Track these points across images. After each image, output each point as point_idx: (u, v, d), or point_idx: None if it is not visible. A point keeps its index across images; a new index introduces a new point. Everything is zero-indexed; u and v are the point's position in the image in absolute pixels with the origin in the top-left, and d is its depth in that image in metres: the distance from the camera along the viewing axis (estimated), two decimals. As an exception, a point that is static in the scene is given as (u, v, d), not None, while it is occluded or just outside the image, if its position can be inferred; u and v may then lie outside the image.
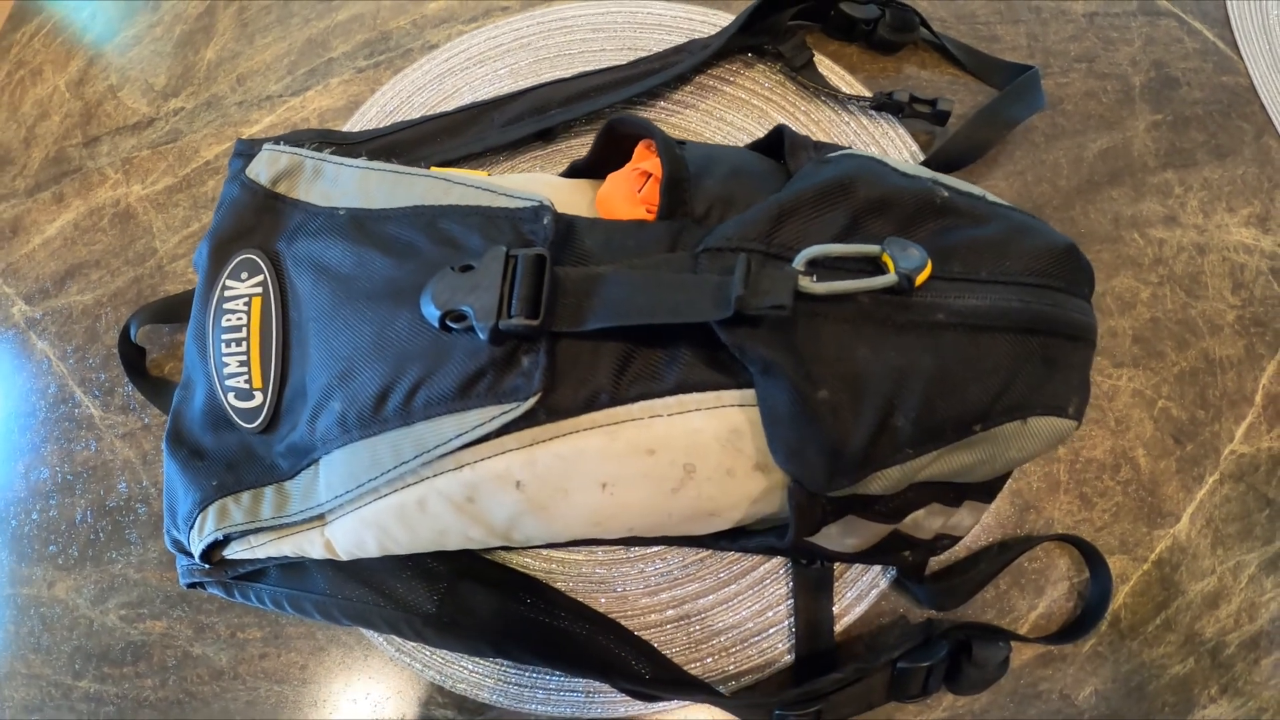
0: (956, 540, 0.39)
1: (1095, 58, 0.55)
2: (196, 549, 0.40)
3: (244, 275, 0.42)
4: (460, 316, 0.32)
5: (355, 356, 0.36)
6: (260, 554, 0.39)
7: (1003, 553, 0.42)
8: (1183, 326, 0.47)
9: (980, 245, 0.34)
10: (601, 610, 0.43)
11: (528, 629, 0.41)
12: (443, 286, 0.33)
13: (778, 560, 0.43)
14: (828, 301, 0.31)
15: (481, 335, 0.32)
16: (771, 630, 0.42)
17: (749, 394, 0.32)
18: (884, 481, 0.32)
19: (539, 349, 0.32)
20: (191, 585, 0.43)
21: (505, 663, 0.43)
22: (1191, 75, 0.55)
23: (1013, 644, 0.40)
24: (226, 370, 0.40)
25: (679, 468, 0.33)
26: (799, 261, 0.31)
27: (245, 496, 0.39)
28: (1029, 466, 0.45)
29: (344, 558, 0.38)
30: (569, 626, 0.42)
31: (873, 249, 0.32)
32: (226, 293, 0.42)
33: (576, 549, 0.45)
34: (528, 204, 0.36)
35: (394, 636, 0.44)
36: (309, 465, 0.38)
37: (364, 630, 0.45)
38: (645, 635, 0.43)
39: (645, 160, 0.38)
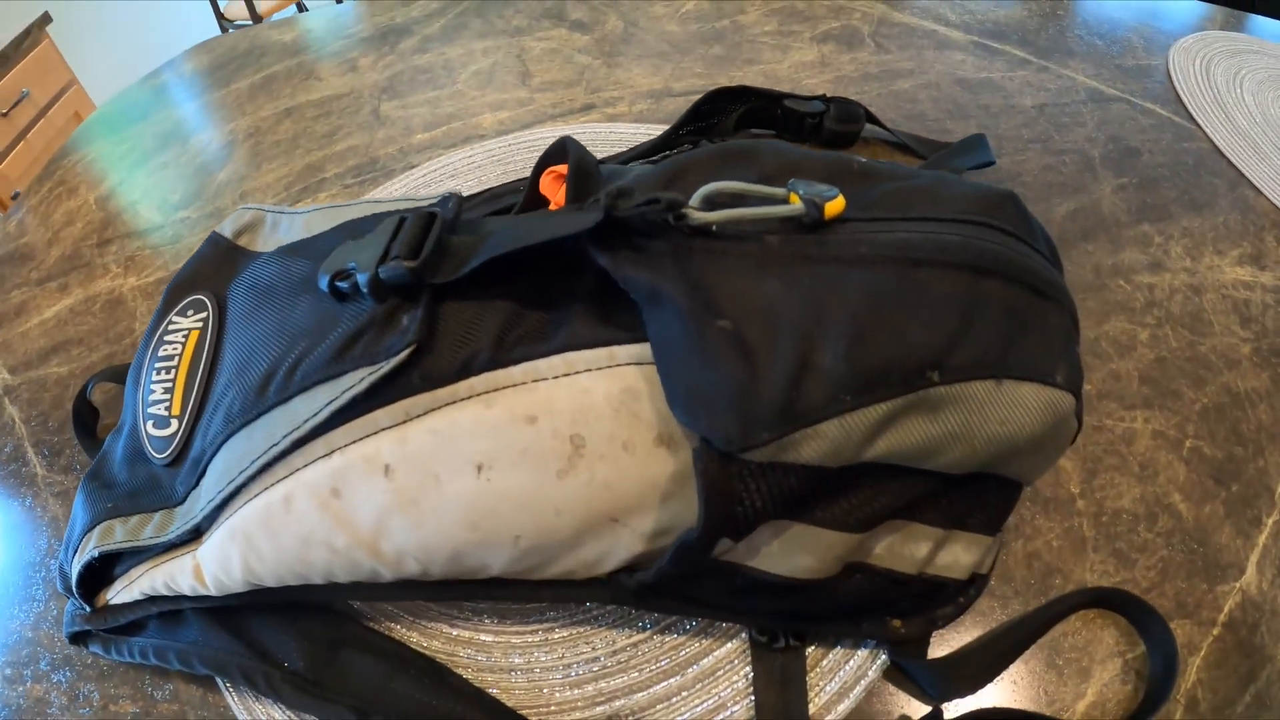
0: (958, 594, 0.32)
1: (1049, 139, 0.58)
2: (74, 572, 0.37)
3: (189, 312, 0.44)
4: (346, 274, 0.31)
5: (253, 348, 0.35)
6: (136, 589, 0.37)
7: (1026, 624, 0.34)
8: (1195, 364, 0.44)
9: (906, 192, 0.31)
10: (511, 706, 0.35)
11: (407, 706, 0.34)
12: (336, 254, 0.33)
13: (732, 645, 0.35)
14: (729, 240, 0.29)
15: (362, 287, 0.30)
16: None
17: (646, 349, 0.28)
18: (820, 443, 0.25)
19: (419, 304, 0.30)
20: (76, 638, 0.40)
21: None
22: (1151, 144, 0.57)
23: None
24: (151, 398, 0.40)
25: (564, 440, 0.28)
26: (695, 200, 0.30)
27: (134, 519, 0.37)
28: (1042, 523, 0.38)
29: (212, 589, 0.35)
30: (464, 713, 0.34)
31: (778, 190, 0.30)
32: (170, 327, 0.44)
33: (483, 624, 0.38)
34: (441, 196, 0.35)
35: (248, 700, 0.38)
36: (198, 481, 0.36)
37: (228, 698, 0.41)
38: None
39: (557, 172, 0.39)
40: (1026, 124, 0.61)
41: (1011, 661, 0.33)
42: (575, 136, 0.61)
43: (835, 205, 0.29)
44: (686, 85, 0.67)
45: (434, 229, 0.32)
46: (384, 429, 0.31)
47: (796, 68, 0.69)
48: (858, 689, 0.33)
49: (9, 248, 0.67)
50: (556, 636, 0.37)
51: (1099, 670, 0.33)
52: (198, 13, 2.59)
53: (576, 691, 0.35)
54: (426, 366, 0.30)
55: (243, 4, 2.35)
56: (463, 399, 0.30)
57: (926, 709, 0.32)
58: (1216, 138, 0.59)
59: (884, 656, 0.34)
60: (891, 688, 0.33)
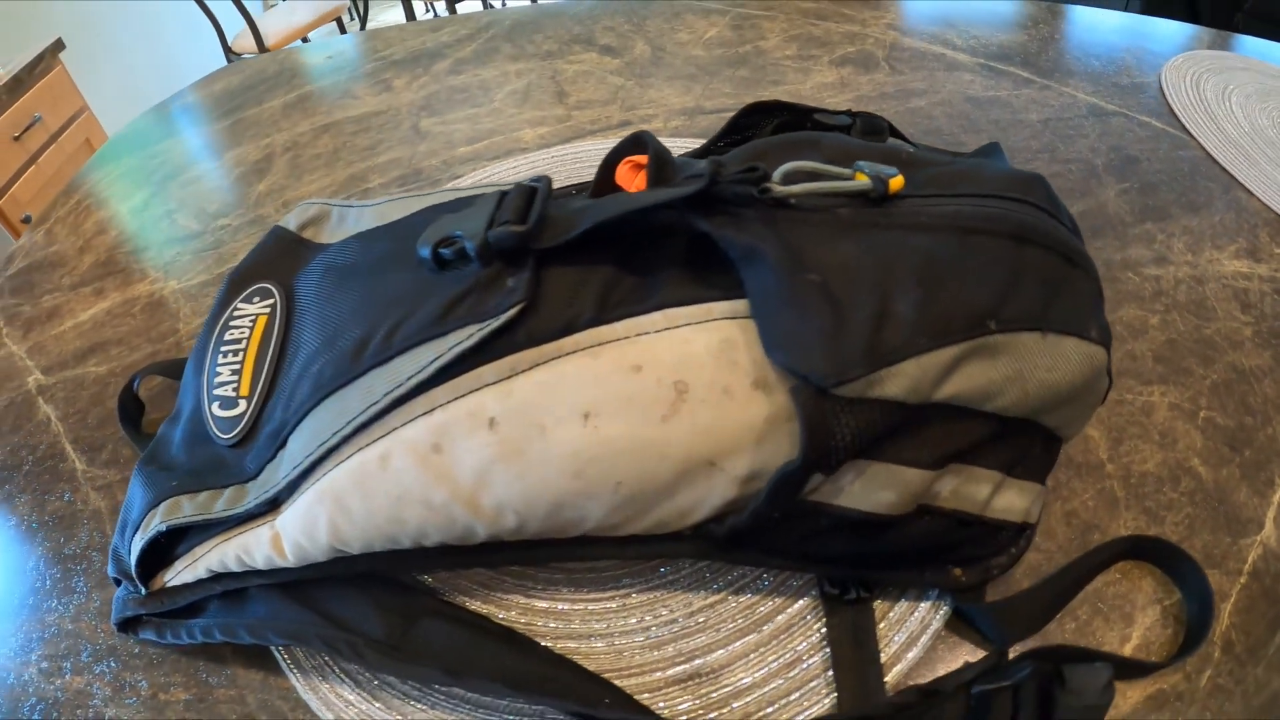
0: (1010, 545, 0.34)
1: (1055, 149, 0.62)
2: (136, 550, 0.36)
3: (255, 299, 0.44)
4: (451, 241, 0.33)
5: (342, 320, 0.36)
6: (202, 566, 0.36)
7: (1072, 572, 0.36)
8: (1202, 345, 0.47)
9: (950, 174, 0.34)
10: (593, 670, 0.35)
11: (496, 669, 0.34)
12: (437, 226, 0.34)
13: (804, 602, 0.36)
14: (806, 211, 0.32)
15: (469, 250, 0.32)
16: (807, 687, 0.34)
17: (740, 304, 0.30)
18: (901, 380, 0.28)
19: (525, 267, 0.32)
20: (124, 625, 0.39)
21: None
22: (1149, 153, 0.61)
23: (1117, 684, 0.33)
24: (217, 379, 0.41)
25: (669, 387, 0.30)
26: (776, 176, 0.33)
27: (202, 495, 0.37)
28: (1077, 485, 0.41)
29: (291, 559, 0.35)
30: (554, 675, 0.34)
31: (845, 170, 0.33)
32: (235, 313, 0.44)
33: (559, 593, 0.38)
34: (531, 178, 0.37)
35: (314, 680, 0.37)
36: (276, 453, 0.36)
37: (296, 681, 0.38)
38: (648, 701, 0.34)
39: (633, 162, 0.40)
40: (1034, 136, 0.65)
41: (1062, 607, 0.35)
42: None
43: (897, 182, 0.32)
44: (717, 104, 0.70)
45: (537, 199, 0.34)
46: (488, 384, 0.31)
47: (818, 88, 0.72)
48: (924, 637, 0.34)
49: (39, 256, 0.66)
50: (634, 601, 0.38)
51: (1140, 616, 0.36)
52: (205, 46, 2.65)
53: (657, 653, 0.36)
54: (532, 325, 0.32)
55: (250, 39, 2.39)
56: (568, 353, 0.31)
57: (984, 653, 0.34)
58: (1209, 146, 0.64)
59: (946, 607, 0.35)
60: (954, 637, 0.35)
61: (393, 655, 0.34)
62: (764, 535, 0.33)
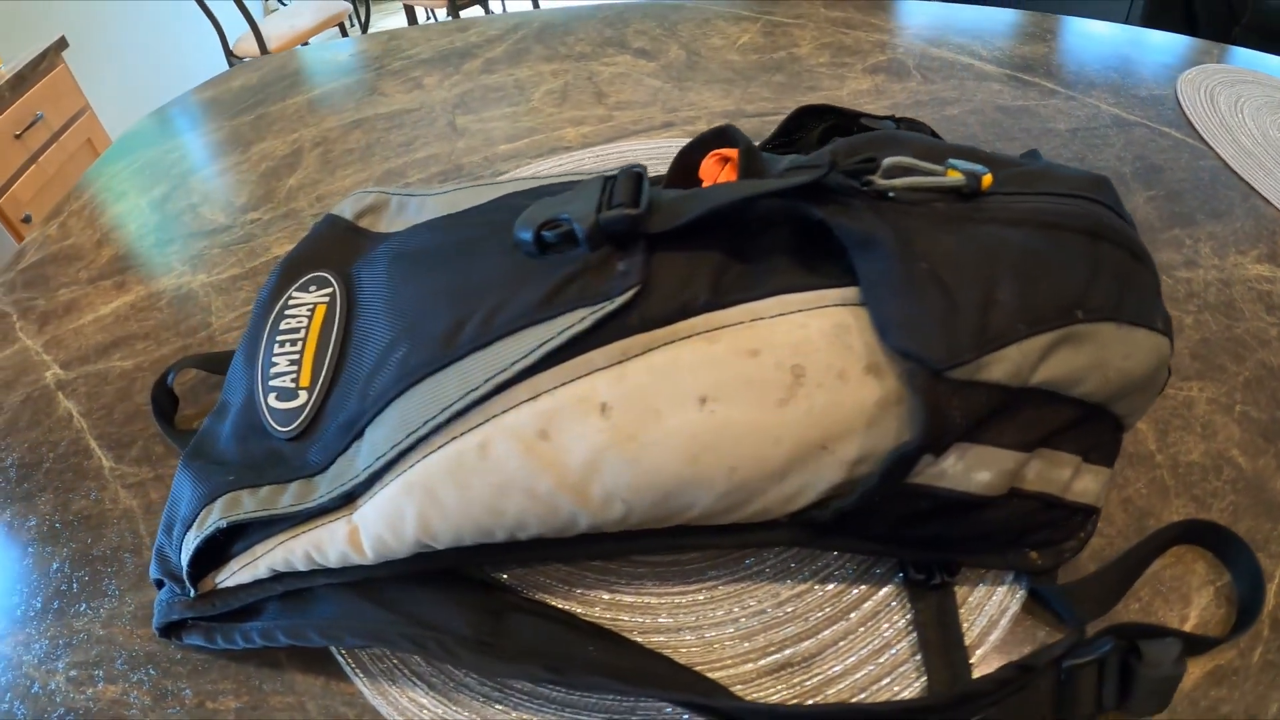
0: (1079, 529, 0.35)
1: (1085, 157, 0.63)
2: (189, 549, 0.34)
3: (312, 288, 0.42)
4: (555, 224, 0.32)
5: (423, 306, 0.34)
6: (264, 565, 0.34)
7: (1133, 555, 0.38)
8: (1233, 344, 0.49)
9: (1027, 174, 0.35)
10: (684, 664, 0.35)
11: (596, 662, 0.33)
12: (537, 208, 0.33)
13: (888, 589, 0.36)
14: (906, 205, 0.32)
15: (578, 233, 0.31)
16: (897, 672, 0.34)
17: (849, 292, 0.31)
18: (1005, 365, 0.29)
19: (636, 251, 0.31)
20: (167, 629, 0.36)
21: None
22: (1172, 162, 0.63)
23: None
24: (273, 370, 0.39)
25: (786, 370, 0.29)
26: (880, 171, 0.33)
27: (264, 490, 0.34)
28: (1130, 474, 0.42)
29: (370, 555, 0.32)
30: (653, 668, 0.34)
31: (938, 167, 0.34)
32: (290, 302, 0.42)
33: (645, 587, 0.37)
34: (622, 167, 0.36)
35: (382, 684, 0.35)
36: (349, 445, 0.34)
37: (365, 690, 0.36)
38: (742, 693, 0.34)
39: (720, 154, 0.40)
40: (1063, 145, 0.66)
41: (1129, 589, 0.37)
42: (663, 150, 0.62)
43: (987, 180, 0.34)
44: (757, 108, 0.70)
45: (644, 184, 0.33)
46: (598, 369, 0.30)
47: (855, 95, 0.72)
48: (1004, 620, 0.35)
49: (53, 249, 0.64)
50: (721, 593, 0.37)
51: (1196, 597, 0.37)
52: (207, 49, 2.63)
53: (747, 644, 0.35)
54: (645, 309, 0.31)
55: (253, 42, 2.36)
56: (683, 338, 0.31)
57: (1058, 635, 0.35)
58: (1226, 156, 0.66)
59: (1021, 590, 0.36)
60: (1029, 619, 0.36)
61: (486, 652, 0.32)
62: (863, 519, 0.33)
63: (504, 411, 0.30)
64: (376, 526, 0.32)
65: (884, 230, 0.31)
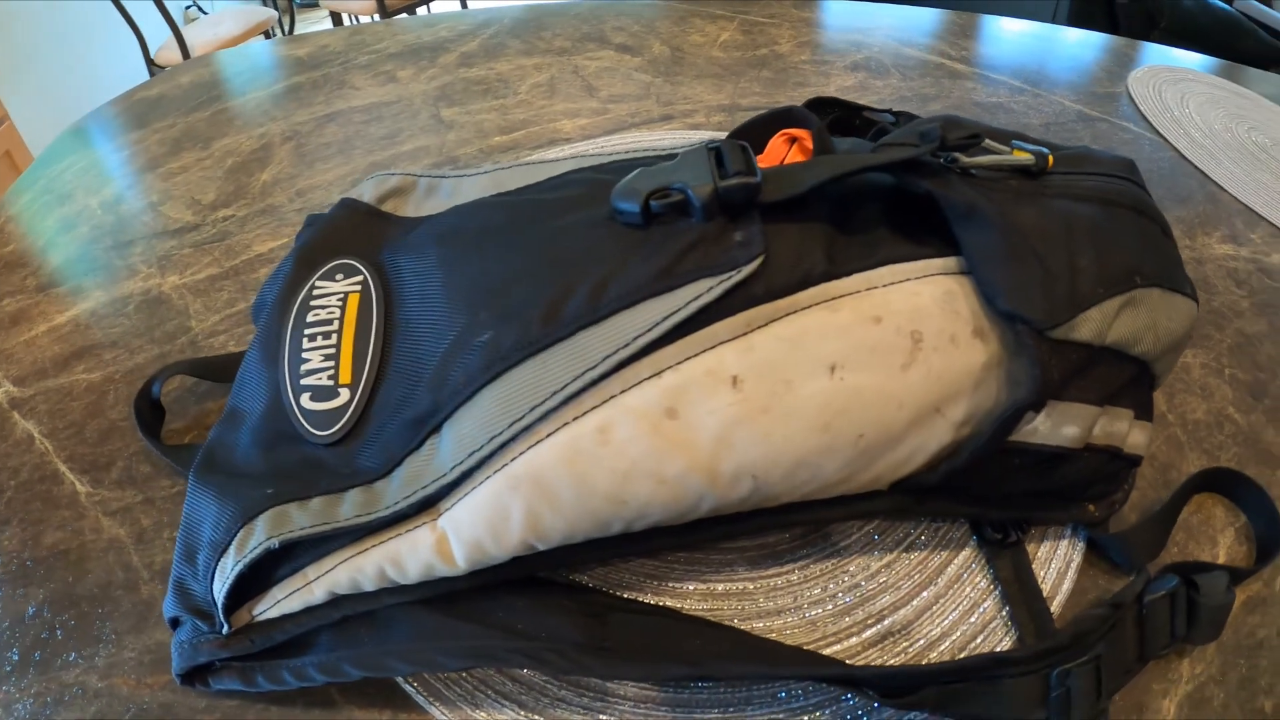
0: (1124, 482, 0.38)
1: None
2: (228, 577, 0.29)
3: (339, 276, 0.38)
4: (667, 193, 0.31)
5: (502, 286, 0.31)
6: (321, 588, 0.30)
7: (1169, 506, 0.41)
8: (1214, 315, 0.54)
9: (1074, 155, 0.38)
10: (792, 645, 0.34)
11: (723, 653, 0.31)
12: (638, 179, 0.32)
13: (966, 553, 0.38)
14: (987, 181, 0.34)
15: (694, 202, 0.30)
16: (989, 629, 0.35)
17: (951, 261, 0.32)
18: (1090, 325, 0.31)
19: (752, 221, 0.30)
20: (190, 675, 0.31)
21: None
22: (1134, 153, 0.67)
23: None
24: (305, 367, 0.34)
25: (906, 336, 0.30)
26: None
27: (316, 502, 0.30)
28: (1153, 431, 0.45)
29: (461, 564, 0.29)
30: (775, 649, 0.33)
31: (1004, 146, 0.36)
32: (316, 291, 0.38)
33: (736, 574, 0.36)
34: (706, 139, 0.36)
35: (476, 710, 0.32)
36: (422, 443, 0.31)
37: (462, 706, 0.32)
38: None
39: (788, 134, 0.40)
40: (1039, 138, 0.68)
41: (1170, 533, 0.40)
42: (669, 141, 0.61)
43: (1051, 160, 0.36)
44: (751, 102, 0.69)
45: (752, 155, 0.32)
46: (723, 341, 0.29)
47: (842, 91, 0.72)
48: (1071, 571, 0.37)
49: (-12, 256, 0.56)
50: (814, 571, 0.37)
51: (1221, 537, 0.41)
52: (129, 59, 2.50)
53: (848, 619, 0.35)
54: (769, 278, 0.30)
55: (175, 51, 2.22)
56: (804, 307, 0.30)
57: (1119, 582, 0.38)
58: (1180, 147, 0.71)
59: (1081, 542, 0.39)
60: (1091, 569, 0.39)
61: (611, 657, 0.29)
62: (963, 481, 0.34)
63: (623, 391, 0.28)
64: (473, 531, 0.28)
65: (983, 201, 0.32)
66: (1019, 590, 0.36)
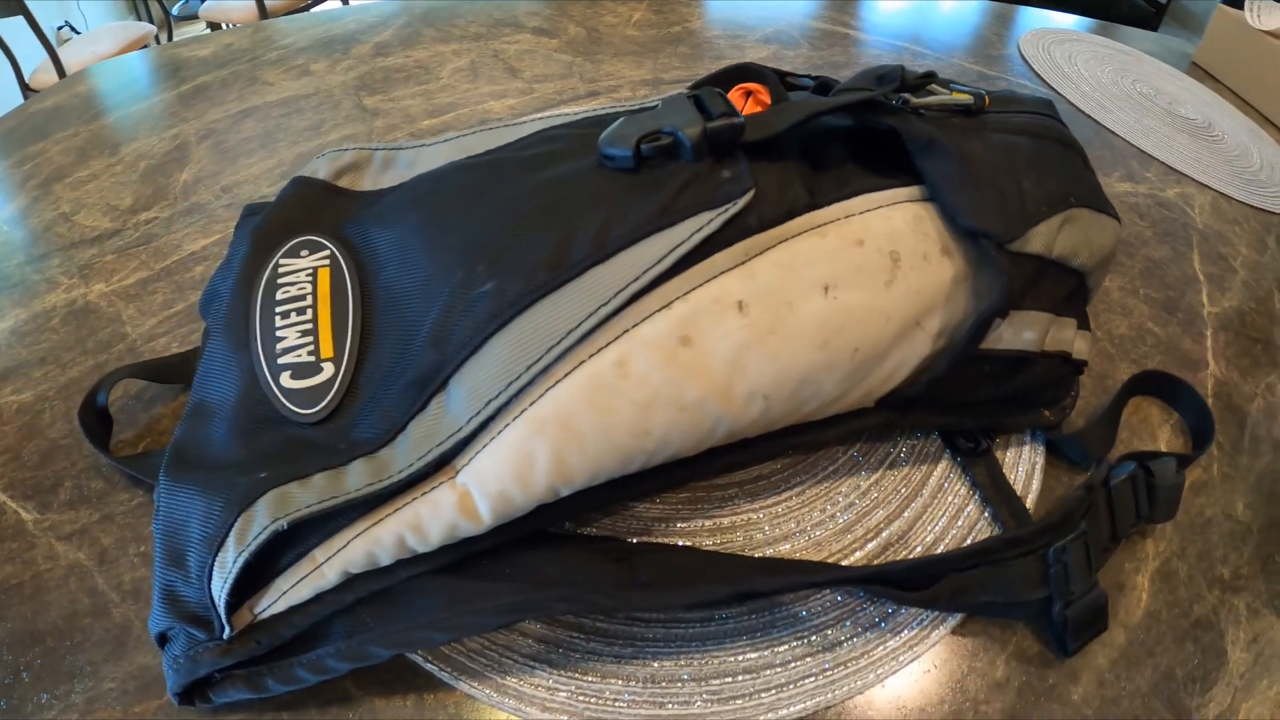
0: (1071, 388, 0.42)
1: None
2: (230, 570, 0.27)
3: (304, 252, 0.37)
4: (657, 136, 0.32)
5: (494, 238, 0.32)
6: (334, 569, 0.28)
7: (1111, 408, 0.45)
8: (1124, 244, 0.60)
9: (1000, 97, 0.41)
10: None
11: (750, 573, 0.32)
12: (626, 125, 0.33)
13: (943, 465, 0.40)
14: (935, 119, 0.37)
15: (685, 144, 0.31)
16: (976, 529, 0.38)
17: (914, 190, 0.35)
18: (1040, 239, 0.34)
19: (739, 160, 0.32)
20: (188, 692, 0.29)
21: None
22: None
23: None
24: (282, 345, 0.33)
25: (886, 256, 0.32)
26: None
27: (318, 478, 0.29)
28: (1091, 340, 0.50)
29: (486, 519, 0.29)
30: (796, 565, 0.34)
31: (944, 89, 0.39)
32: (281, 269, 0.36)
33: (740, 507, 0.37)
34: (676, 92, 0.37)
35: (507, 678, 0.31)
36: (428, 402, 0.30)
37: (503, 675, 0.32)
38: None
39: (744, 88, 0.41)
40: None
41: (1115, 433, 0.44)
42: (603, 114, 0.61)
43: (986, 100, 0.40)
44: (674, 76, 0.70)
45: (729, 100, 0.34)
46: (724, 271, 0.30)
47: (759, 61, 0.74)
48: (1037, 472, 0.41)
49: (-124, 285, 0.51)
50: (810, 495, 0.39)
51: (1159, 433, 0.46)
52: (2, 84, 2.27)
53: (849, 536, 0.37)
54: (760, 210, 0.32)
55: (51, 73, 2.05)
56: (794, 235, 0.32)
57: (1081, 477, 0.42)
58: (1074, 100, 0.78)
59: (1040, 446, 0.42)
60: (1053, 469, 0.42)
61: (654, 590, 0.30)
62: (939, 392, 0.36)
63: (636, 325, 0.29)
64: (498, 481, 0.28)
65: (939, 134, 0.35)
66: (996, 493, 0.38)
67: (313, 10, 2.41)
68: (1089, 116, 0.75)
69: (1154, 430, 0.46)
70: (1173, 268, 0.59)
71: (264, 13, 2.22)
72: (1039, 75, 0.81)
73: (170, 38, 2.96)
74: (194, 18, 3.29)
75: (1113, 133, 0.73)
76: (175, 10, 3.27)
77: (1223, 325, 0.54)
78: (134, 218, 0.54)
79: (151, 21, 2.95)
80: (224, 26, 2.59)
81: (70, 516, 0.39)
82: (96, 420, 0.41)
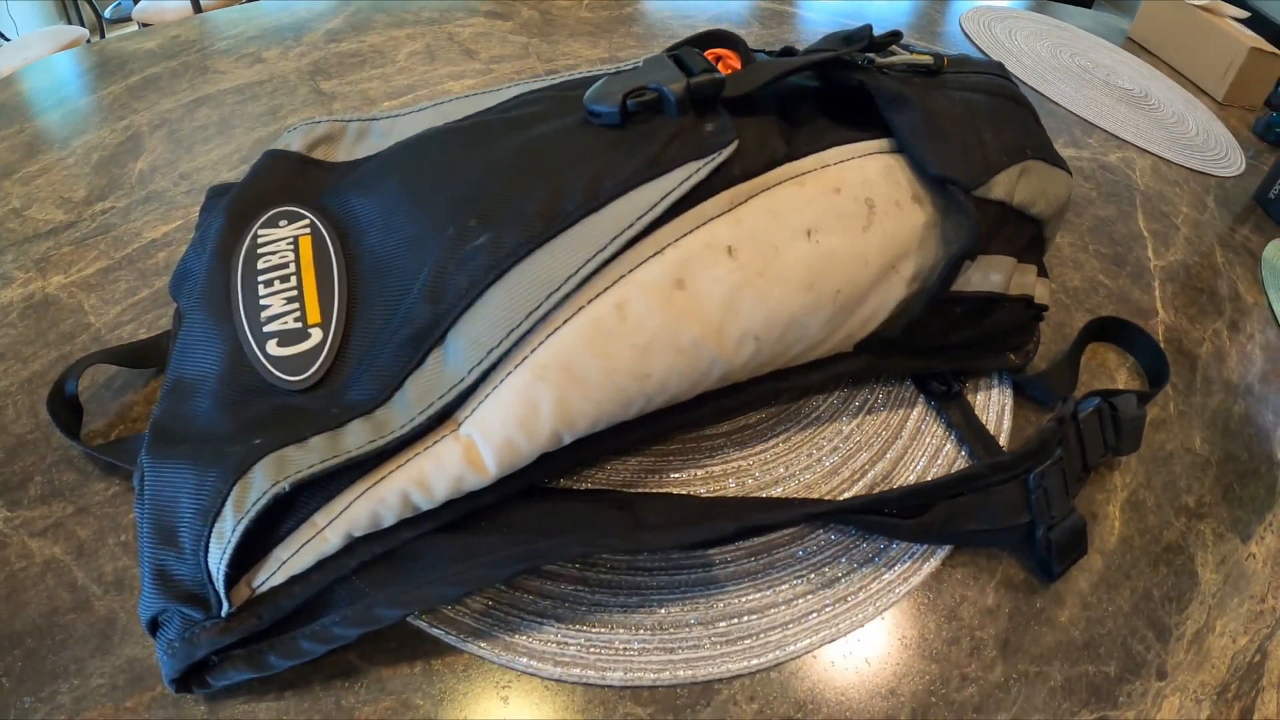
0: (1033, 334, 0.45)
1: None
2: (230, 539, 0.26)
3: (282, 222, 0.37)
4: (642, 92, 0.33)
5: (485, 195, 0.32)
6: (335, 534, 0.28)
7: (1071, 352, 0.47)
8: (1072, 205, 0.62)
9: (955, 59, 0.43)
10: None
11: (749, 511, 0.34)
12: (611, 83, 0.34)
13: (919, 409, 0.42)
14: (902, 77, 0.40)
15: (670, 99, 0.33)
16: (956, 465, 0.40)
17: (884, 143, 0.37)
18: (1001, 186, 0.36)
19: (721, 114, 0.33)
20: (184, 679, 0.28)
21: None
22: None
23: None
24: (267, 314, 0.33)
25: (862, 203, 0.34)
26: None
27: (315, 440, 0.28)
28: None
29: (492, 470, 0.29)
30: (794, 500, 0.36)
31: (905, 50, 0.42)
32: (261, 239, 0.36)
33: (730, 455, 0.38)
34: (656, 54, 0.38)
35: (514, 635, 0.31)
36: (424, 357, 0.30)
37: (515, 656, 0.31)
38: None
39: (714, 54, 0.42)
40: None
41: (1077, 375, 0.46)
42: (582, 77, 0.61)
43: (946, 60, 0.42)
44: (629, 54, 0.71)
45: (707, 59, 0.36)
46: (713, 218, 0.31)
47: (713, 42, 0.75)
48: (1007, 412, 0.43)
49: None
50: (796, 441, 0.40)
51: (1118, 374, 0.48)
52: None
53: (837, 478, 0.38)
54: (743, 161, 0.33)
55: None
56: (776, 184, 0.33)
57: (1047, 415, 0.43)
58: (1017, 72, 0.81)
59: (1009, 389, 0.44)
60: (1021, 410, 0.44)
61: (660, 530, 0.31)
62: (915, 334, 0.38)
63: (632, 269, 0.29)
64: (503, 430, 0.28)
65: (907, 88, 0.37)
66: (970, 431, 0.40)
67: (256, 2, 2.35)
68: (1031, 88, 0.78)
69: (1112, 373, 0.48)
70: (1119, 225, 0.62)
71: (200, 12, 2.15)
72: (982, 50, 0.84)
73: (103, 38, 2.86)
74: (127, 19, 3.18)
75: (1055, 103, 0.76)
76: (108, 13, 3.15)
77: (1169, 277, 0.57)
78: (89, 209, 0.52)
79: (83, 25, 2.83)
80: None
81: (43, 512, 0.38)
82: (66, 409, 0.39)
